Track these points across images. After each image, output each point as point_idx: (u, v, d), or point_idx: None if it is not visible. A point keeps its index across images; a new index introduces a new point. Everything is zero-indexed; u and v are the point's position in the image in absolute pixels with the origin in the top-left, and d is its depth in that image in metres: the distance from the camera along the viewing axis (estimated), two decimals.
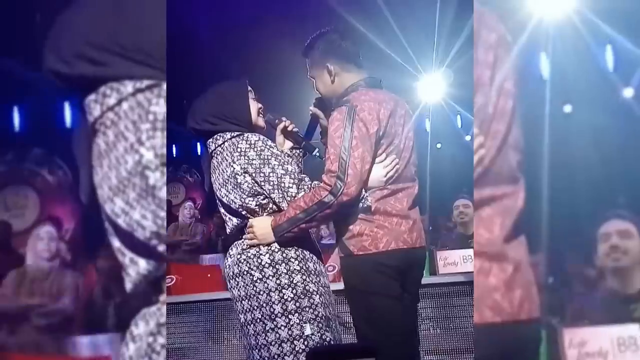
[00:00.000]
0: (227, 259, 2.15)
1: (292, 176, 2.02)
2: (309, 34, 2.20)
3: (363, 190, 1.99)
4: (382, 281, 1.97)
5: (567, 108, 5.65)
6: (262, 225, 2.03)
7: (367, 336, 1.99)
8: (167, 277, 3.53)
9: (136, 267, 1.13)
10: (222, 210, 2.16)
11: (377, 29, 4.89)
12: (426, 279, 2.55)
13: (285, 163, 2.03)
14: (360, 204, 1.99)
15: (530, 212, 1.23)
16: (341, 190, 1.92)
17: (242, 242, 2.09)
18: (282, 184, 2.02)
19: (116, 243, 1.15)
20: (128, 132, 1.08)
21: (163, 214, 1.10)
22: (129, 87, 1.09)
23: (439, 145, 8.14)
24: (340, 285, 2.95)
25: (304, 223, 1.96)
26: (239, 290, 2.06)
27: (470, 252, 3.36)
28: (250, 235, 2.04)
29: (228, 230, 2.17)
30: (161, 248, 1.11)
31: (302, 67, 2.24)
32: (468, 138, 7.88)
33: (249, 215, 2.07)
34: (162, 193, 1.09)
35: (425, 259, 2.17)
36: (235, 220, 2.11)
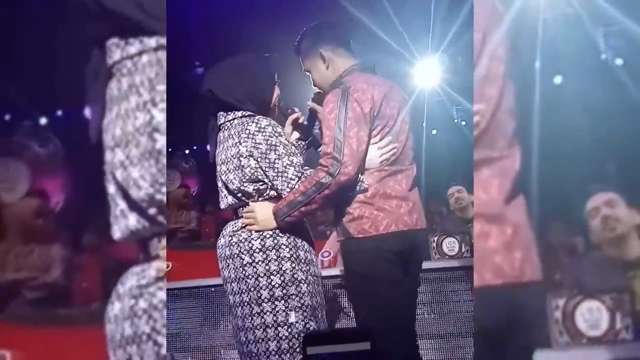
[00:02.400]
0: (220, 238, 2.16)
1: (297, 168, 2.03)
2: (302, 26, 2.21)
3: (359, 173, 2.00)
4: (382, 264, 1.99)
5: (558, 79, 5.66)
6: (263, 211, 2.03)
7: (366, 320, 2.01)
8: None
9: (125, 221, 1.13)
10: (219, 184, 2.16)
11: (372, 13, 4.86)
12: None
13: (292, 154, 2.04)
14: (357, 187, 2.00)
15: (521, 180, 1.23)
16: (338, 170, 1.93)
17: (236, 222, 2.10)
18: (286, 174, 2.02)
19: (111, 189, 1.15)
20: (143, 88, 1.07)
21: (162, 179, 1.09)
22: (152, 41, 1.08)
23: (434, 131, 8.12)
24: (335, 271, 2.97)
25: (303, 206, 1.97)
26: (229, 272, 2.07)
27: None
28: (250, 220, 2.04)
29: (222, 206, 2.17)
30: (152, 211, 1.09)
31: (297, 64, 2.24)
32: (464, 124, 7.87)
33: (244, 198, 2.08)
34: (164, 159, 1.08)
35: (426, 241, 2.19)
36: (230, 198, 2.11)
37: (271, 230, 2.04)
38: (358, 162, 1.97)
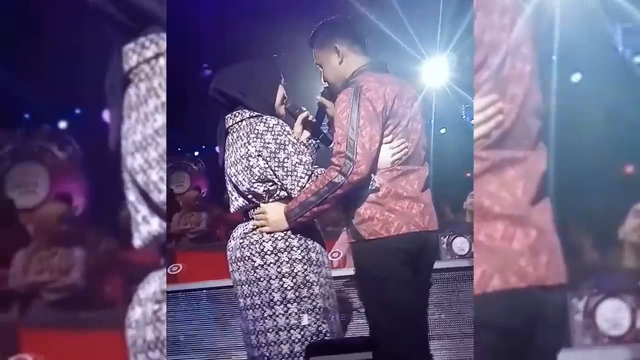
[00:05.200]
0: (230, 241, 2.15)
1: (306, 167, 2.02)
2: (313, 23, 2.20)
3: (371, 172, 1.99)
4: (394, 266, 1.97)
5: (576, 77, 5.61)
6: (275, 212, 2.02)
7: (377, 321, 2.00)
8: (173, 265, 3.55)
9: (148, 227, 1.12)
10: (228, 187, 2.16)
11: (380, 12, 4.86)
12: None
13: (301, 153, 2.03)
14: (369, 186, 1.99)
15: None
16: (351, 169, 1.91)
17: (246, 225, 2.09)
18: (295, 173, 2.01)
19: (131, 197, 1.14)
20: (161, 89, 1.07)
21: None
22: (164, 42, 1.08)
23: (443, 130, 8.10)
24: (345, 272, 2.96)
25: (315, 206, 1.96)
26: (239, 274, 2.06)
27: None
28: (261, 222, 2.04)
29: (232, 210, 2.17)
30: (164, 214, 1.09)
31: (309, 58, 2.23)
32: (473, 122, 7.82)
33: (254, 200, 2.07)
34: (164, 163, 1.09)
35: (437, 243, 2.17)
36: (240, 200, 2.10)
37: (283, 231, 2.03)
38: (371, 162, 1.95)
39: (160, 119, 1.07)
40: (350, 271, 3.00)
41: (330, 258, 3.47)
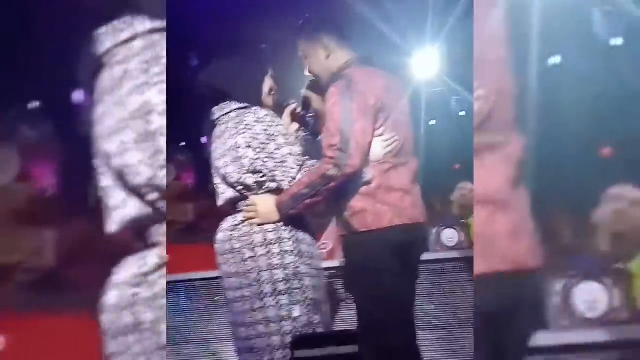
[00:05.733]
0: (218, 233, 2.14)
1: (297, 158, 2.02)
2: (302, 14, 2.19)
3: (364, 165, 1.99)
4: (385, 258, 1.98)
5: (555, 60, 5.65)
6: (265, 204, 2.01)
7: (367, 313, 2.01)
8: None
9: (122, 211, 1.11)
10: (216, 180, 2.14)
11: (370, 4, 4.83)
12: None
13: (291, 144, 2.03)
14: (362, 179, 1.99)
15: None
16: (345, 162, 1.91)
17: (235, 217, 2.07)
18: (286, 164, 2.00)
19: (105, 182, 1.13)
20: (138, 72, 1.04)
21: (162, 160, 1.07)
22: (146, 24, 1.05)
23: (432, 122, 8.11)
24: (332, 264, 2.96)
25: (308, 199, 1.95)
26: (228, 267, 2.05)
27: None
28: (252, 213, 2.02)
29: (220, 203, 2.15)
30: (153, 196, 1.07)
31: (292, 51, 2.22)
32: (462, 114, 7.85)
33: (244, 192, 2.05)
34: (163, 141, 1.06)
35: (426, 235, 2.20)
36: (229, 193, 2.08)
37: (274, 223, 2.02)
38: (364, 154, 1.96)
39: (137, 101, 1.04)
40: (337, 263, 3.00)
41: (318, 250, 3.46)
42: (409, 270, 2.07)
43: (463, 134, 7.09)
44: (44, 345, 2.24)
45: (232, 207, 2.12)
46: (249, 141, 2.00)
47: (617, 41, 5.27)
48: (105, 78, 1.09)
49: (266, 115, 2.04)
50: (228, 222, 2.11)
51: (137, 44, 1.06)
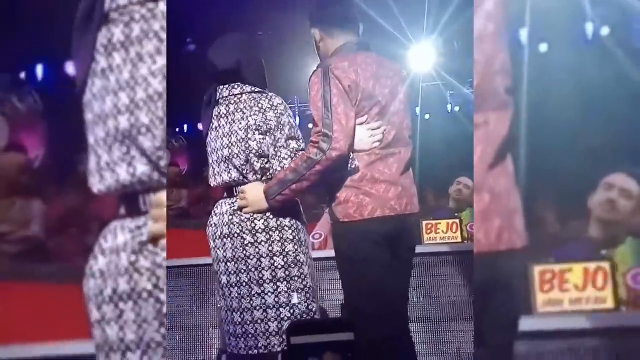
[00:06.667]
0: (212, 217, 2.13)
1: (292, 151, 2.02)
2: (293, 6, 2.18)
3: (350, 150, 1.97)
4: (369, 248, 1.97)
5: (543, 47, 5.66)
6: (254, 192, 2.02)
7: (355, 303, 2.00)
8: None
9: (114, 175, 1.09)
10: (212, 158, 2.13)
11: None
12: None
13: (294, 138, 2.04)
14: (349, 166, 1.98)
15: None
16: (328, 145, 1.91)
17: (233, 201, 2.08)
18: (280, 154, 2.02)
19: (95, 137, 1.11)
20: (163, 32, 1.06)
21: (162, 128, 1.06)
22: None
23: (427, 116, 8.11)
24: (324, 253, 2.97)
25: (294, 183, 1.95)
26: (225, 251, 2.05)
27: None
28: (242, 202, 2.03)
29: (213, 183, 2.15)
30: (162, 160, 1.06)
31: (291, 37, 2.22)
32: (457, 109, 7.86)
33: (247, 175, 2.04)
34: (164, 106, 1.07)
35: (416, 226, 2.16)
36: (226, 175, 2.08)
37: (263, 211, 2.03)
38: (348, 138, 1.94)
39: (160, 61, 1.05)
40: (329, 252, 3.02)
41: (311, 239, 3.48)
42: (398, 261, 2.05)
43: (458, 129, 7.10)
44: (30, 313, 2.23)
45: (226, 190, 2.12)
46: (259, 124, 2.02)
47: (605, 29, 5.28)
48: (117, 33, 1.08)
49: (280, 103, 2.06)
50: (223, 206, 2.10)
51: (161, 6, 1.07)
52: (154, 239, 1.11)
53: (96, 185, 1.13)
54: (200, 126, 2.23)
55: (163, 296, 1.09)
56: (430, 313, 2.94)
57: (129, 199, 1.12)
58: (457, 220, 3.42)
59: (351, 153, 1.98)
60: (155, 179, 1.09)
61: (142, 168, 1.08)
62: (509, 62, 1.20)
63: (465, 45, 6.25)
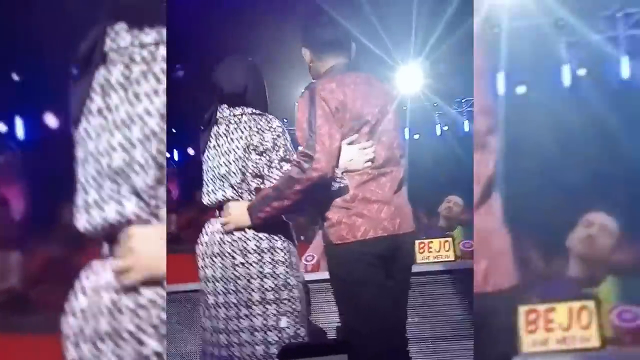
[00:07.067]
0: (203, 235, 2.12)
1: (282, 173, 2.02)
2: (286, 26, 2.20)
3: (337, 169, 1.96)
4: (363, 270, 1.95)
5: (521, 89, 5.75)
6: (238, 208, 2.02)
7: (351, 325, 1.98)
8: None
9: (102, 213, 1.08)
10: (207, 176, 2.13)
11: (354, 18, 4.87)
12: None
13: (288, 161, 2.05)
14: (338, 185, 1.96)
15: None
16: (309, 165, 1.89)
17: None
18: (271, 175, 2.04)
19: (85, 174, 1.10)
20: (163, 74, 1.07)
21: (157, 168, 1.06)
22: (160, 34, 1.09)
23: (416, 136, 8.17)
24: (317, 276, 2.96)
25: (274, 200, 1.95)
26: (214, 270, 2.03)
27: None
28: (226, 219, 2.02)
29: (205, 201, 2.14)
30: (154, 200, 1.05)
31: (281, 60, 2.24)
32: (446, 128, 7.92)
33: (239, 195, 2.04)
34: (164, 144, 1.07)
35: (411, 245, 2.13)
36: (219, 194, 2.07)
37: (246, 228, 2.01)
38: (331, 159, 1.92)
39: (159, 101, 1.06)
40: (322, 275, 3.00)
41: (304, 262, 3.46)
42: (395, 282, 2.02)
43: (446, 148, 7.15)
44: None
45: (218, 209, 2.11)
46: (256, 145, 2.04)
47: (582, 71, 5.41)
48: (115, 73, 1.09)
49: (279, 126, 2.10)
50: (215, 225, 2.09)
51: (162, 51, 1.08)
52: (121, 274, 1.09)
53: (83, 223, 1.12)
54: (190, 151, 2.24)
55: (146, 338, 1.07)
56: (425, 333, 2.92)
57: (113, 238, 1.11)
58: (449, 239, 3.42)
59: (339, 173, 1.97)
60: (144, 218, 1.08)
61: (131, 207, 1.07)
62: (489, 103, 1.22)
63: (452, 66, 6.34)
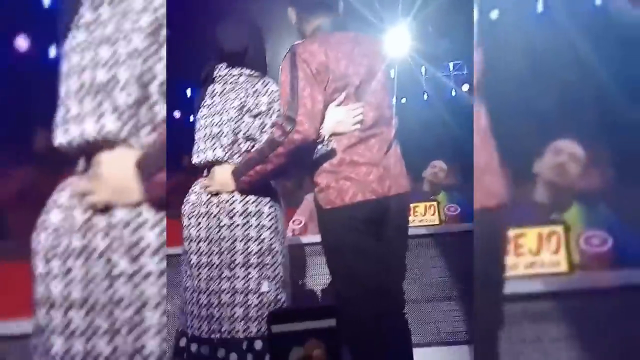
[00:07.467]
0: (190, 195, 2.11)
1: None
2: None
3: (325, 132, 1.94)
4: (352, 234, 1.94)
5: (494, 14, 5.73)
6: (222, 173, 2.01)
7: (341, 290, 1.98)
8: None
9: (80, 128, 1.06)
10: (199, 135, 2.10)
11: None
12: None
13: None
14: (324, 148, 1.95)
15: None
16: (292, 127, 1.86)
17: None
18: (262, 140, 2.02)
19: (68, 89, 1.08)
20: None
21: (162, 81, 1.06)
22: None
23: (403, 100, 8.13)
24: (312, 239, 2.97)
25: (257, 164, 1.93)
26: (199, 230, 2.02)
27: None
28: (209, 182, 2.02)
29: (196, 160, 2.12)
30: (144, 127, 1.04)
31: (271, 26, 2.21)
32: (433, 93, 7.89)
33: (229, 156, 2.02)
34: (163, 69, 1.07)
35: (405, 206, 2.09)
36: (209, 153, 2.05)
37: (230, 191, 2.00)
38: (314, 121, 1.89)
39: (147, 19, 1.04)
40: (311, 238, 3.02)
41: (291, 226, 3.48)
42: (386, 245, 1.99)
43: (432, 112, 7.14)
44: None
45: (206, 169, 2.09)
46: (251, 107, 2.03)
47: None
48: None
49: (275, 90, 2.07)
50: (199, 186, 2.08)
51: None
52: (84, 196, 1.07)
53: (59, 138, 1.10)
54: (177, 114, 2.21)
55: (116, 257, 1.06)
56: (412, 295, 2.96)
57: (89, 156, 1.09)
58: (434, 203, 3.45)
59: (327, 136, 1.95)
60: (122, 138, 1.06)
61: (110, 125, 1.05)
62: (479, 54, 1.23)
63: (440, 28, 6.27)
